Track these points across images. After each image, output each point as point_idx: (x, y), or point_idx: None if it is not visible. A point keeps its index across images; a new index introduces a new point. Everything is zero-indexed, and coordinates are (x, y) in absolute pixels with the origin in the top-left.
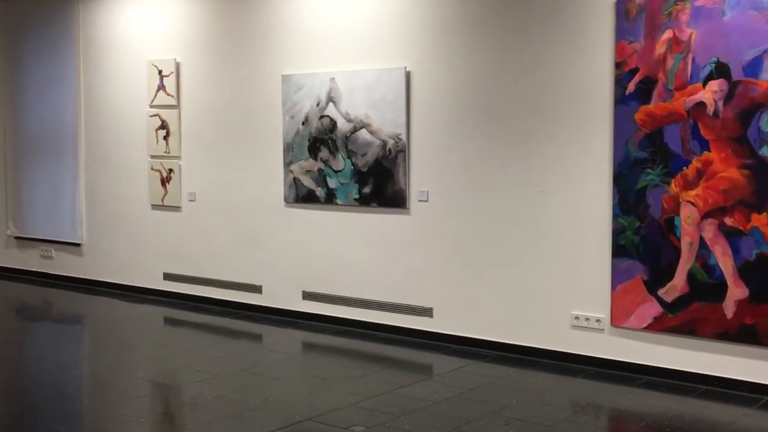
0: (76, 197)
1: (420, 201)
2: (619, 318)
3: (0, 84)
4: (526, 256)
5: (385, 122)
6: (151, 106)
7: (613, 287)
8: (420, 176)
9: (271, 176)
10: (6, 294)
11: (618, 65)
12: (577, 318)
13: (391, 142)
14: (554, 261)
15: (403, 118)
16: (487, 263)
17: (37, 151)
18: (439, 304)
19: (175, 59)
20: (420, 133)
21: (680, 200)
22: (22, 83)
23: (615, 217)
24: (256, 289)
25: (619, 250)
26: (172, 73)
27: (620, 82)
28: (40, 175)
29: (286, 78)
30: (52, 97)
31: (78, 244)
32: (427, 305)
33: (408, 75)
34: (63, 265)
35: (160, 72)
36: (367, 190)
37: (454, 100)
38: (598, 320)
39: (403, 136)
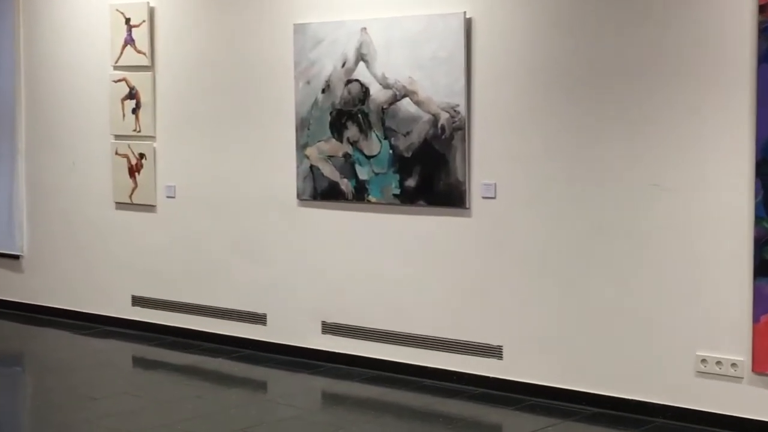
0: (14, 193)
1: (485, 198)
2: (763, 361)
3: None
4: (633, 275)
5: (437, 89)
6: (116, 68)
7: (756, 319)
8: (485, 163)
9: (279, 164)
10: None
11: (763, 9)
12: (704, 362)
13: (444, 117)
14: (672, 283)
15: (462, 84)
16: (578, 285)
17: None
18: (512, 341)
19: (147, 3)
20: (485, 104)
21: None
22: None
23: (759, 220)
24: (259, 318)
25: (764, 268)
26: (143, 22)
27: (766, 33)
28: None
29: (299, 28)
30: None
31: (16, 257)
32: (494, 342)
33: (469, 24)
34: None
35: (127, 21)
36: (411, 182)
37: (533, 60)
38: (734, 365)
39: (462, 109)
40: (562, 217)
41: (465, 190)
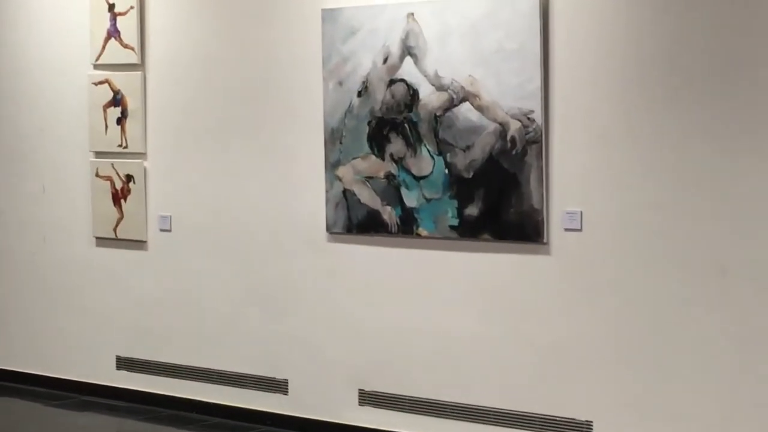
0: None
1: (568, 230)
2: None
3: None
4: (764, 329)
5: (505, 91)
6: (96, 67)
7: None
8: (567, 186)
9: (303, 188)
10: None
11: None
12: None
13: (515, 127)
14: None
15: (537, 84)
16: (690, 343)
17: None
18: (604, 415)
19: None
20: (568, 109)
21: None
22: None
23: None
24: (279, 386)
25: None
26: (131, 8)
27: None
28: None
29: (329, 15)
30: None
31: None
32: (582, 417)
33: (546, 6)
34: None
35: (111, 8)
36: (472, 210)
37: (631, 53)
38: None
39: (538, 116)
40: (667, 255)
41: (542, 221)
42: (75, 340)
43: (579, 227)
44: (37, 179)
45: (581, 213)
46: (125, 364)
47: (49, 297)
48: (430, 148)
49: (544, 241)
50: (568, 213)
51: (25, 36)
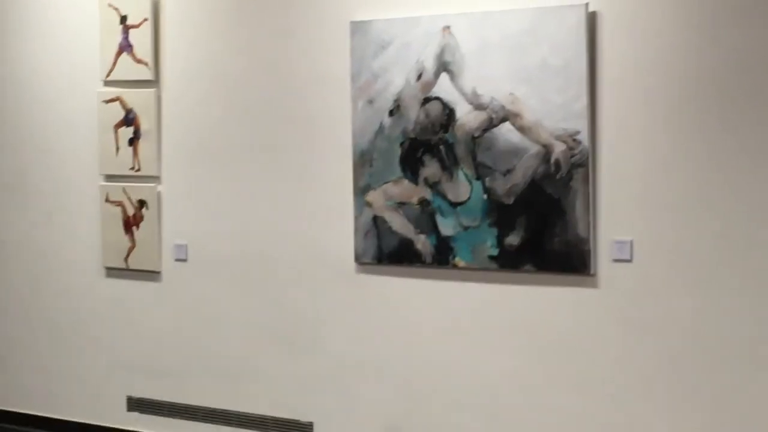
0: None
1: (617, 261)
2: None
3: None
4: None
5: (549, 110)
6: (107, 83)
7: None
8: (616, 213)
9: (329, 214)
10: None
11: None
12: None
13: (559, 149)
14: None
15: (584, 103)
16: (760, 383)
17: None
18: None
19: None
20: (617, 131)
21: None
22: None
23: None
24: (303, 429)
25: None
26: (145, 20)
27: None
28: None
29: (358, 28)
30: None
31: None
32: None
33: (593, 20)
34: None
35: (123, 20)
36: (513, 239)
37: (687, 70)
38: None
39: (584, 137)
40: (725, 288)
41: (588, 251)
42: (82, 379)
43: (629, 258)
44: (43, 205)
45: (631, 242)
46: (137, 405)
47: (55, 332)
48: (467, 172)
49: (591, 272)
50: (617, 242)
51: (30, 54)
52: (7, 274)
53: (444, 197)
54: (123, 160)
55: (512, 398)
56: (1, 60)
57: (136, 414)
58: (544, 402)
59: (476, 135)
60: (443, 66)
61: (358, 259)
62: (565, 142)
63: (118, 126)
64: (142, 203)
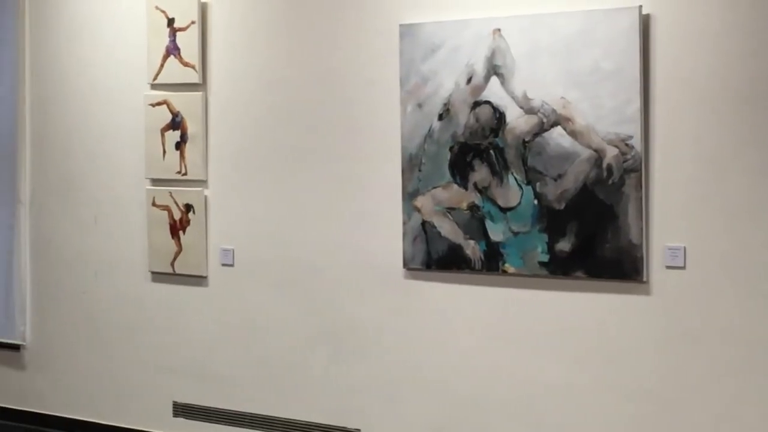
0: (14, 260)
1: (670, 267)
2: None
3: None
4: None
5: (601, 114)
6: (154, 87)
7: None
8: (670, 219)
9: (378, 219)
10: None
11: None
12: None
13: (611, 154)
14: None
15: (636, 107)
16: None
17: None
18: None
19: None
20: (670, 135)
21: None
22: None
23: None
24: None
25: None
26: (192, 23)
27: None
28: None
29: (408, 31)
30: None
31: (15, 347)
32: None
33: (646, 23)
34: None
35: (170, 23)
36: (564, 245)
37: (744, 73)
38: None
39: (637, 142)
40: None
41: (641, 257)
42: (129, 384)
43: (682, 264)
44: (89, 209)
45: (684, 249)
46: (183, 410)
47: (101, 337)
48: (517, 177)
49: (644, 279)
50: (669, 249)
51: (77, 58)
52: (54, 278)
53: (494, 202)
54: (170, 164)
55: (561, 406)
56: (50, 63)
57: (182, 419)
58: (594, 410)
59: (527, 139)
60: (493, 69)
61: (407, 264)
62: (617, 146)
63: (164, 129)
64: (188, 207)
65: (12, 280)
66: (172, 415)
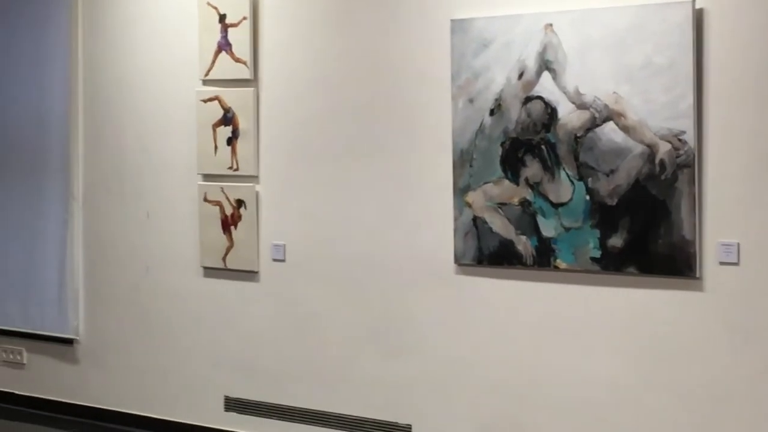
0: (67, 254)
1: (723, 263)
2: None
3: None
4: None
5: (654, 110)
6: (206, 83)
7: None
8: (723, 215)
9: (428, 215)
10: None
11: None
12: None
13: (664, 149)
14: None
15: (690, 102)
16: None
17: None
18: None
19: None
20: (724, 130)
21: None
22: None
23: None
24: (402, 431)
25: None
26: (244, 19)
27: None
28: (0, 217)
29: (459, 26)
30: (23, 77)
31: (69, 341)
32: None
33: (700, 17)
34: (43, 378)
35: (222, 18)
36: (616, 241)
37: None
38: None
39: (690, 137)
40: None
41: (694, 253)
42: (180, 379)
43: (736, 261)
44: (141, 204)
45: (738, 245)
46: (234, 405)
47: (153, 331)
48: (569, 172)
49: (697, 275)
50: (723, 245)
51: (129, 54)
52: (106, 273)
53: (545, 198)
54: (221, 160)
55: (613, 404)
56: (103, 60)
57: (233, 414)
58: (646, 408)
59: (579, 135)
60: (545, 64)
61: (458, 260)
62: (670, 142)
63: (216, 125)
64: (240, 203)
65: (65, 274)
66: (223, 409)
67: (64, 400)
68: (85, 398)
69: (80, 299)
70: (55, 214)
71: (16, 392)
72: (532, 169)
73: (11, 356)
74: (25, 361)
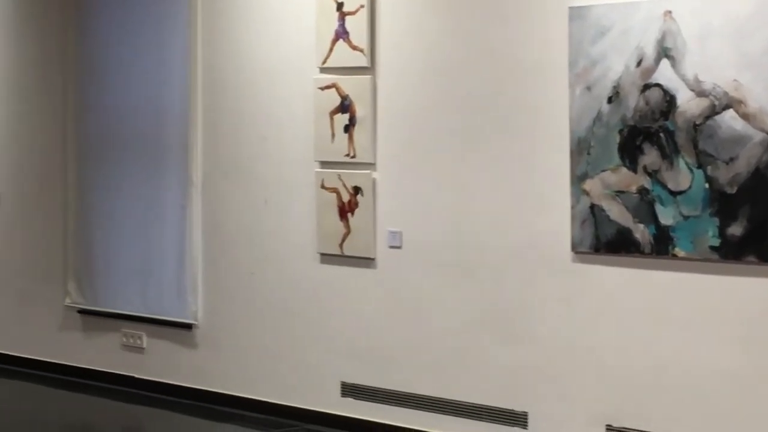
0: (186, 240)
1: None
2: None
3: (61, 52)
4: None
5: None
6: (323, 71)
7: None
8: None
9: (545, 202)
10: (60, 416)
11: None
12: None
13: None
14: None
15: None
16: None
17: (117, 163)
18: None
19: None
20: None
21: None
22: (92, 48)
23: None
24: (517, 419)
25: None
26: (361, 7)
27: None
28: (122, 203)
29: (577, 13)
30: (144, 66)
31: (188, 326)
32: None
33: None
34: (162, 363)
35: (339, 7)
36: (736, 229)
37: None
38: None
39: None
40: None
41: None
42: (297, 364)
43: None
44: (259, 191)
45: None
46: (351, 390)
47: (270, 317)
48: (688, 160)
49: None
50: None
51: (246, 42)
52: (224, 259)
53: (663, 186)
54: (338, 147)
55: (731, 394)
56: (221, 49)
57: (350, 399)
58: (764, 399)
59: (698, 122)
60: (664, 52)
61: (575, 248)
62: None
63: (333, 113)
64: (357, 190)
65: (184, 260)
66: (340, 395)
67: (182, 384)
68: (203, 382)
69: (199, 284)
70: (174, 199)
71: (136, 376)
72: (650, 156)
73: (131, 340)
74: (144, 346)
